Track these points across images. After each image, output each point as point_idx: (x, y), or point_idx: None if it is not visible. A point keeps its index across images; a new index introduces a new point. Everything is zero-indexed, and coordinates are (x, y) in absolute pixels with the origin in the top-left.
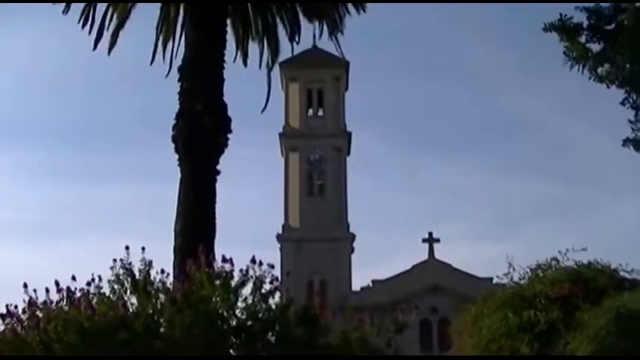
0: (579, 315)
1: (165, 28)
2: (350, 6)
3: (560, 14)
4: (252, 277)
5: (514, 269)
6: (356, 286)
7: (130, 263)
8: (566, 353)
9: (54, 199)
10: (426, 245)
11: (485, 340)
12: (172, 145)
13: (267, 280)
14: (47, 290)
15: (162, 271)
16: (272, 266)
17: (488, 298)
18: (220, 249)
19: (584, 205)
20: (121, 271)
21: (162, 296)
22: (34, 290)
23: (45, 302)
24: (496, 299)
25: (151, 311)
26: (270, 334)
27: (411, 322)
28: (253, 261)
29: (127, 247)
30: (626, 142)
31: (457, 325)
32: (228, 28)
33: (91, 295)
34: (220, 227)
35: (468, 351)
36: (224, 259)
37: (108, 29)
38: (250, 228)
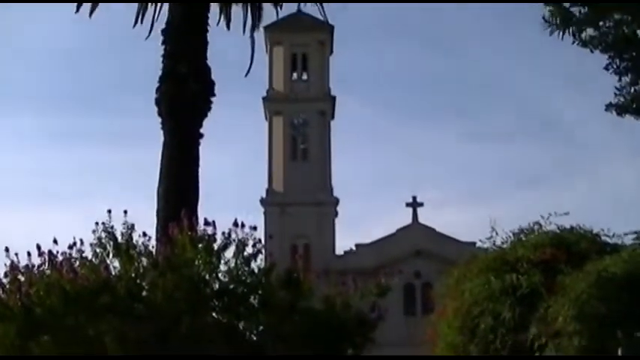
0: (561, 279)
1: None
2: None
3: None
4: (234, 240)
5: (497, 234)
6: (340, 250)
7: (112, 227)
8: (548, 317)
9: (34, 163)
10: (410, 209)
11: (468, 304)
12: (155, 109)
13: (250, 243)
14: (29, 254)
15: (145, 234)
16: (254, 228)
17: (470, 262)
18: (204, 213)
19: (568, 170)
20: (103, 235)
21: (144, 260)
22: (16, 254)
23: (27, 266)
24: (479, 263)
25: (133, 275)
26: (252, 297)
27: (394, 286)
28: (236, 224)
29: (109, 211)
30: (609, 107)
31: (440, 288)
32: None
33: (73, 259)
34: (204, 191)
35: (449, 314)
36: (206, 223)
37: None
38: (234, 192)
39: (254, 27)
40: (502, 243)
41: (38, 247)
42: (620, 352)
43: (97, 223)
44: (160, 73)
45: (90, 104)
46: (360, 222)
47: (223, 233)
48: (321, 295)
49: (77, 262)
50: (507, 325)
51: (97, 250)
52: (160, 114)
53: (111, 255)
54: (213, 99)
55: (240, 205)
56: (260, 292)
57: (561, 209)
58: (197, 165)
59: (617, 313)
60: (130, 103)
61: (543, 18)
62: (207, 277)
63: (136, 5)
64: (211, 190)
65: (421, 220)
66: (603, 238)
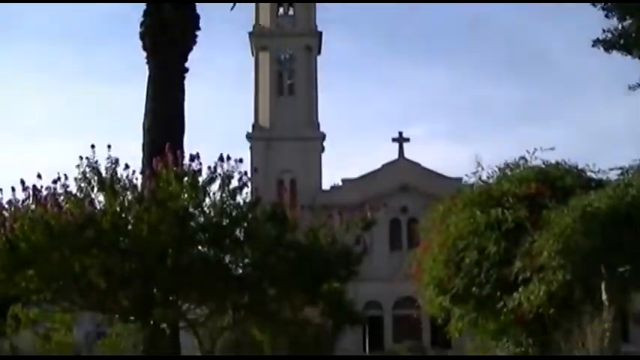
0: (546, 213)
1: None
2: None
3: None
4: (220, 174)
5: (482, 168)
6: (326, 185)
7: (96, 161)
8: (532, 251)
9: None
10: (396, 145)
11: (453, 238)
12: (140, 43)
13: (236, 176)
14: (13, 189)
15: (127, 167)
16: (240, 161)
17: (456, 196)
18: (190, 148)
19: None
20: (88, 170)
21: (129, 194)
22: (0, 190)
23: (10, 201)
24: (464, 197)
25: (118, 209)
26: (238, 230)
27: (380, 222)
28: (221, 158)
29: (93, 146)
30: (596, 42)
31: (425, 223)
32: None
33: (57, 194)
34: (191, 127)
35: (435, 248)
36: (192, 157)
37: None
38: (220, 128)
39: None
40: (488, 178)
41: (22, 182)
42: (603, 287)
43: (80, 158)
44: (144, 6)
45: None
46: (347, 157)
47: (209, 167)
48: (307, 228)
49: (62, 197)
50: (492, 259)
51: (82, 185)
52: (144, 48)
53: (95, 190)
54: (198, 32)
55: (226, 140)
56: (245, 225)
57: (547, 145)
58: (182, 99)
59: (601, 247)
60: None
61: None
62: (192, 210)
63: None
64: (197, 125)
65: (407, 155)
66: (588, 173)
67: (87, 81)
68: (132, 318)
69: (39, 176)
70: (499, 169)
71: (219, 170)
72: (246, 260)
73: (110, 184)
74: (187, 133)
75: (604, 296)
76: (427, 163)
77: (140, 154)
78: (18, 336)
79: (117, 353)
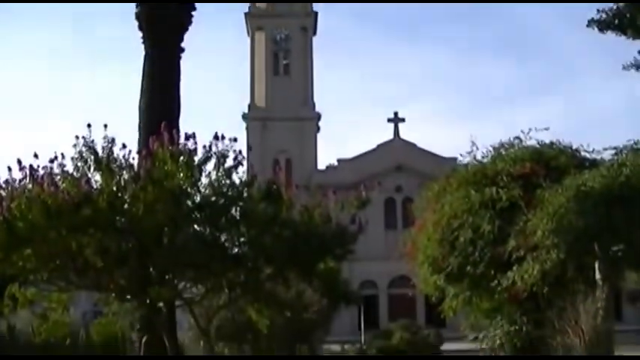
0: (540, 193)
1: None
2: None
3: None
4: (215, 153)
5: (477, 148)
6: (321, 165)
7: (92, 141)
8: (527, 230)
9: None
10: (392, 125)
11: (447, 217)
12: (136, 23)
13: (231, 155)
14: (9, 169)
15: (124, 146)
16: (235, 140)
17: (451, 175)
18: (186, 129)
19: (550, 88)
20: (84, 149)
21: (125, 173)
22: None
23: (7, 181)
24: (459, 177)
25: (114, 188)
26: (234, 209)
27: (375, 201)
28: (216, 137)
29: (90, 125)
30: (591, 23)
31: (420, 202)
32: None
33: (54, 174)
34: (187, 108)
35: (429, 227)
36: (187, 136)
37: None
38: (216, 109)
39: None
40: (482, 157)
41: (19, 161)
42: (596, 266)
43: (77, 137)
44: None
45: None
46: (342, 137)
47: (204, 146)
48: (302, 207)
49: (58, 177)
50: (486, 238)
51: (78, 164)
52: (140, 28)
53: (92, 169)
54: (193, 13)
55: (222, 121)
56: (241, 203)
57: (542, 125)
58: (178, 79)
59: (595, 226)
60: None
61: None
62: (188, 189)
63: None
64: (193, 106)
65: (402, 135)
66: (583, 153)
67: (83, 60)
68: (128, 297)
69: (35, 156)
70: (494, 148)
71: (214, 149)
72: (242, 239)
73: (107, 163)
74: (183, 114)
75: (597, 275)
76: (422, 143)
77: (136, 135)
78: (16, 316)
79: (114, 332)
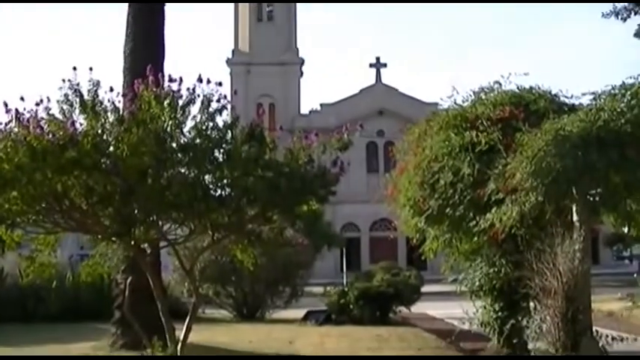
0: (519, 136)
1: None
2: None
3: None
4: (199, 95)
5: (458, 92)
6: (305, 109)
7: (78, 84)
8: (506, 173)
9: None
10: (374, 70)
11: (428, 160)
12: None
13: (215, 99)
14: None
15: (112, 90)
16: (220, 84)
17: (431, 119)
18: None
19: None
20: (70, 92)
21: (110, 116)
22: None
23: None
24: (439, 120)
25: (99, 130)
26: (217, 151)
27: (357, 145)
28: (200, 79)
29: (75, 68)
30: None
31: (401, 145)
32: None
33: (40, 116)
34: (171, 54)
35: (410, 170)
36: (171, 78)
37: None
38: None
39: None
40: (463, 101)
41: (5, 104)
42: (574, 208)
43: (63, 80)
44: None
45: None
46: (325, 82)
47: (188, 89)
48: (285, 149)
49: (44, 120)
50: (466, 180)
51: (64, 107)
52: None
53: (77, 112)
54: None
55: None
56: (224, 145)
57: (522, 70)
58: (162, 24)
59: (573, 170)
60: None
61: None
62: (172, 131)
63: None
64: (177, 52)
65: (385, 80)
66: (562, 98)
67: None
68: (113, 239)
69: (22, 99)
70: (474, 93)
71: (197, 91)
72: (225, 181)
73: (92, 105)
74: (168, 61)
75: (575, 217)
76: (404, 86)
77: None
78: (3, 258)
79: (99, 273)
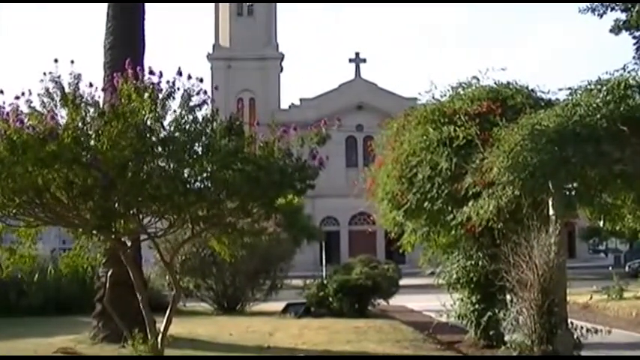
0: (496, 131)
1: None
2: None
3: None
4: (179, 88)
5: (436, 87)
6: (284, 104)
7: (59, 77)
8: (483, 167)
9: None
10: (353, 65)
11: (406, 154)
12: None
13: (195, 93)
14: None
15: (91, 85)
16: (201, 80)
17: (410, 113)
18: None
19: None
20: (51, 85)
21: (91, 109)
22: None
23: None
24: (417, 115)
25: (80, 124)
26: (196, 144)
27: (336, 139)
28: (180, 73)
29: (56, 60)
30: None
31: (380, 139)
32: None
33: (20, 110)
34: (152, 49)
35: (389, 164)
36: (151, 72)
37: None
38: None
39: None
40: (441, 96)
41: None
42: (550, 202)
43: (44, 73)
44: None
45: None
46: (305, 77)
47: (168, 82)
48: (263, 142)
49: (24, 113)
50: (444, 174)
51: (45, 100)
52: None
53: (58, 105)
54: None
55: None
56: (203, 139)
57: (499, 66)
58: (143, 18)
59: (549, 164)
60: None
61: None
62: (152, 125)
63: None
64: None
65: (364, 76)
66: (538, 93)
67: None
68: (94, 232)
69: (1, 92)
70: (452, 87)
71: (178, 84)
72: (204, 174)
73: (72, 98)
74: (149, 56)
75: (551, 211)
76: (383, 81)
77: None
78: None
79: (80, 265)
